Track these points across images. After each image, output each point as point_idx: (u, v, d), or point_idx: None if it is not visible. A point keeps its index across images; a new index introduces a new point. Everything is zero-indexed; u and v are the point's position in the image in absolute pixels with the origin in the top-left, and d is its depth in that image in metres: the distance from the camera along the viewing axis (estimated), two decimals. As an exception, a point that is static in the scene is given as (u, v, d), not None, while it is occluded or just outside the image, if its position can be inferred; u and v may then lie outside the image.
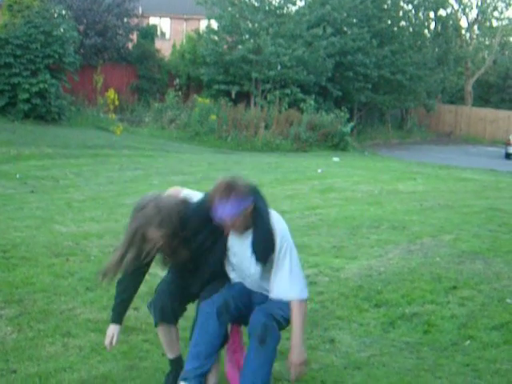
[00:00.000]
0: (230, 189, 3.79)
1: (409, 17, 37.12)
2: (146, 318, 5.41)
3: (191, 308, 4.32)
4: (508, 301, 6.28)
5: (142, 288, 6.01)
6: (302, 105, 28.78)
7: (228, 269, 4.19)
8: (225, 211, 3.78)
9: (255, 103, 29.58)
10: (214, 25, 31.57)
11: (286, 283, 3.92)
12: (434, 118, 43.51)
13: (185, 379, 3.82)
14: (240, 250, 4.01)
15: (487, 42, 48.49)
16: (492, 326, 5.65)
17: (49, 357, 4.61)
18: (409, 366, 4.74)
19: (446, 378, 4.58)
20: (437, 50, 39.71)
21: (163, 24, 41.77)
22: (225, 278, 4.19)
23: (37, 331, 5.05)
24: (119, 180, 13.16)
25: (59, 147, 16.96)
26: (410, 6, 37.38)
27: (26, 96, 21.51)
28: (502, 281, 6.95)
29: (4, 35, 21.83)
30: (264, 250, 3.91)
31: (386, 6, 35.32)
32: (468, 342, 5.30)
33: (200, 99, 27.25)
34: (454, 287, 6.66)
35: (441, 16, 40.42)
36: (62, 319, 5.33)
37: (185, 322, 4.54)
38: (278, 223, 4.01)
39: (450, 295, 6.44)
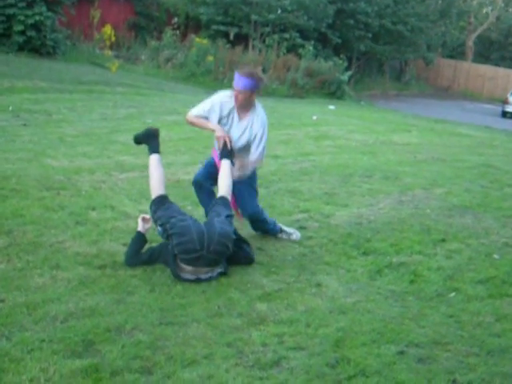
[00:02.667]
0: (253, 71, 5.79)
1: (413, -34, 36.54)
2: (134, 254, 5.44)
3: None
4: (495, 256, 6.34)
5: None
6: (300, 50, 28.49)
7: None
8: (244, 83, 5.63)
9: (253, 46, 29.28)
10: (215, -37, 31.02)
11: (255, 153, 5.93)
12: (432, 72, 43.24)
13: None
14: (235, 127, 5.87)
15: (492, -2, 47.99)
16: (478, 279, 5.71)
17: (37, 288, 4.63)
18: (393, 314, 4.79)
19: (429, 327, 4.63)
20: (440, 2, 39.25)
21: (163, -40, 40.89)
22: None
23: (26, 262, 5.06)
24: (113, 117, 13.07)
25: (53, 81, 16.77)
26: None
27: (20, 28, 21.16)
28: (491, 236, 7.01)
29: (0, -36, 21.40)
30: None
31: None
32: (453, 293, 5.35)
33: (198, 39, 26.92)
34: (443, 240, 6.72)
35: (446, -33, 39.85)
36: (52, 252, 5.34)
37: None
38: (263, 113, 5.95)
39: (438, 247, 6.50)
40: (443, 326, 4.68)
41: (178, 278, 5.03)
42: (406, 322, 4.68)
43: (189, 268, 5.05)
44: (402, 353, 4.21)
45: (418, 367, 4.05)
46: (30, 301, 4.40)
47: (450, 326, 4.70)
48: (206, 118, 5.91)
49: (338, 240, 6.46)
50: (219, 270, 5.21)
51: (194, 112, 5.94)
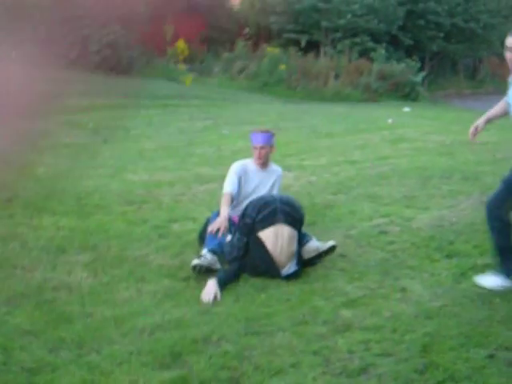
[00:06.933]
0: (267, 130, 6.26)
1: (483, -38, 35.81)
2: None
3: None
4: None
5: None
6: (372, 54, 28.25)
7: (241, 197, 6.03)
8: (262, 138, 6.05)
9: (325, 52, 29.18)
10: (284, -27, 31.04)
11: None
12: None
13: None
14: (261, 181, 6.11)
15: None
16: None
17: (123, 301, 4.72)
18: (480, 317, 4.69)
19: (519, 329, 4.52)
20: (512, -4, 38.36)
21: (232, -27, 41.28)
22: None
23: (111, 276, 5.17)
24: (189, 130, 13.24)
25: (130, 97, 17.13)
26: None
27: (96, 47, 21.71)
28: None
29: (75, -13, 22.02)
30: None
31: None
32: (542, 294, 5.21)
33: (269, 49, 27.01)
34: (529, 239, 6.54)
35: (516, -39, 38.93)
36: (136, 265, 5.45)
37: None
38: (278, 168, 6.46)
39: (524, 247, 6.32)
40: (533, 329, 4.56)
41: (277, 272, 5.24)
42: (494, 324, 4.58)
43: (271, 231, 5.25)
44: (491, 356, 4.11)
45: (509, 371, 3.96)
46: (117, 314, 4.49)
47: (541, 328, 4.57)
48: (238, 184, 6.03)
49: (420, 244, 6.37)
50: (295, 266, 5.37)
51: (227, 188, 6.02)
